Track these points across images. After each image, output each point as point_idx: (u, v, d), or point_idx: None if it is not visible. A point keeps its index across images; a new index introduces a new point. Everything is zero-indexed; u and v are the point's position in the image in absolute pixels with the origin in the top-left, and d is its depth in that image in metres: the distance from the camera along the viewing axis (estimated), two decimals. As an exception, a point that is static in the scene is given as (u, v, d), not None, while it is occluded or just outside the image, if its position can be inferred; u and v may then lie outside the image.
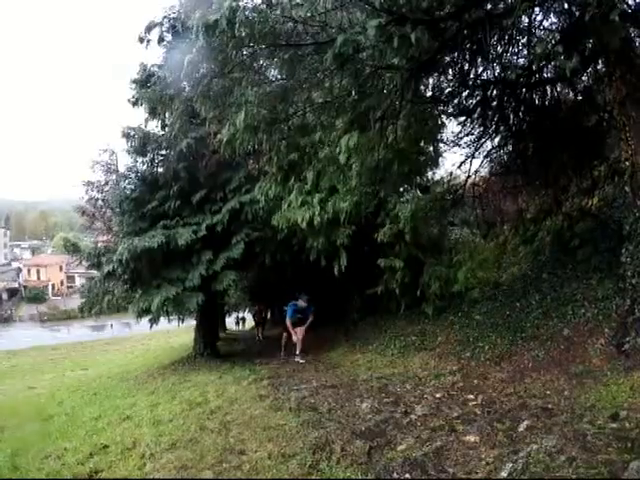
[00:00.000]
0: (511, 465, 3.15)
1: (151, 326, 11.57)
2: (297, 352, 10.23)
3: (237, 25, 4.17)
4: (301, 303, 10.35)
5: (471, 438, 3.79)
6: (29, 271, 67.53)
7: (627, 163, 5.02)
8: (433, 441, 3.91)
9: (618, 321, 5.15)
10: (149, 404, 7.18)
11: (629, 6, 5.02)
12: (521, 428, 3.83)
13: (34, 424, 7.83)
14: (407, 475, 3.38)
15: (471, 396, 5.10)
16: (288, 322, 10.41)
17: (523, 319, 6.63)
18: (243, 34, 4.30)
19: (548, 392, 4.72)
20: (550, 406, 4.28)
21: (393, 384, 6.21)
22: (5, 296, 60.35)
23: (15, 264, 70.20)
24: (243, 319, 33.40)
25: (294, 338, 10.28)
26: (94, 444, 5.45)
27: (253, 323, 33.77)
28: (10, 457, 5.67)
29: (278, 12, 4.54)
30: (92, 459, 4.90)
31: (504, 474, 3.10)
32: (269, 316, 34.01)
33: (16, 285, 64.72)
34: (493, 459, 3.35)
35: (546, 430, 3.66)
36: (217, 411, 5.84)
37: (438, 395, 5.37)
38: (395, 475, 3.41)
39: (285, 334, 10.99)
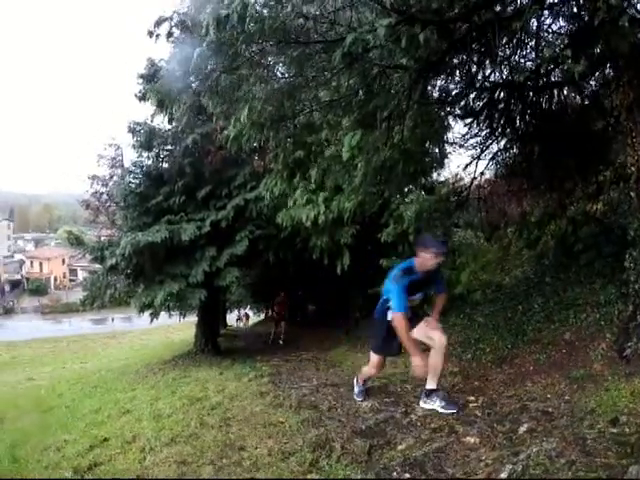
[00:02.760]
0: (511, 467, 3.15)
1: (151, 320, 11.59)
2: (429, 385, 4.79)
3: (247, 20, 4.19)
4: (427, 260, 4.53)
5: (471, 439, 3.79)
6: (32, 263, 67.76)
7: (633, 169, 5.00)
8: (433, 441, 3.91)
9: (620, 326, 5.14)
10: (149, 398, 7.19)
11: (638, 11, 5.01)
12: (521, 431, 3.83)
13: (34, 416, 7.86)
14: (406, 475, 3.39)
15: (472, 397, 5.09)
16: (400, 318, 4.48)
17: (525, 322, 6.63)
18: (253, 29, 4.32)
19: (549, 395, 4.71)
20: (550, 409, 4.27)
21: (394, 384, 6.20)
22: (7, 288, 60.65)
23: (18, 256, 70.36)
24: (246, 315, 33.33)
25: (416, 361, 4.40)
26: (94, 437, 5.47)
27: (256, 320, 33.88)
28: (9, 448, 5.69)
29: (289, 8, 4.55)
30: (92, 452, 4.91)
31: (504, 476, 3.10)
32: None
33: (19, 277, 64.92)
34: (493, 461, 3.36)
35: (546, 433, 3.66)
36: (217, 407, 5.84)
37: (439, 396, 5.38)
38: (395, 474, 3.41)
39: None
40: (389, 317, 4.76)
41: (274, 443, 4.23)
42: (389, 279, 4.78)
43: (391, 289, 4.67)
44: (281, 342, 15.36)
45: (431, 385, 4.78)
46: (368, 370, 5.40)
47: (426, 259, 4.54)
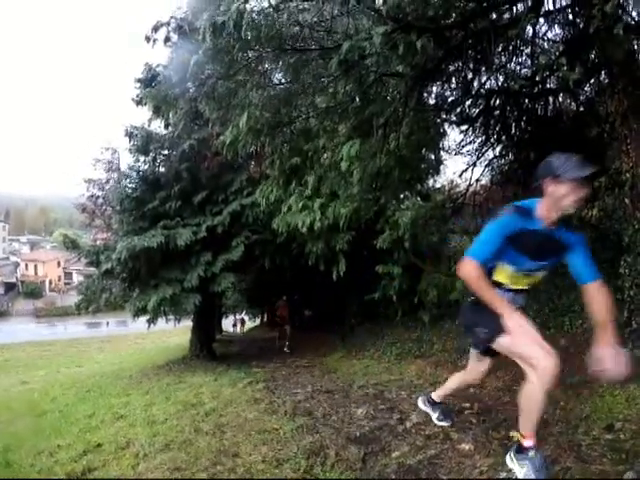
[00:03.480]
0: (505, 474, 3.15)
1: (149, 326, 11.57)
2: (436, 397, 4.31)
3: (244, 28, 4.21)
4: (561, 198, 2.79)
5: (466, 446, 3.78)
6: (27, 266, 67.49)
7: (627, 175, 5.03)
8: (428, 449, 3.90)
9: (615, 333, 5.15)
10: (143, 404, 7.15)
11: (633, 19, 5.05)
12: (516, 437, 3.83)
13: (27, 420, 7.80)
14: (401, 482, 3.38)
15: (467, 404, 5.08)
16: (470, 265, 2.84)
17: (520, 329, 6.62)
18: (249, 37, 4.34)
19: (544, 402, 4.71)
20: (545, 416, 4.26)
21: (389, 391, 6.20)
22: (2, 290, 60.27)
23: (13, 258, 70.13)
24: (242, 321, 33.18)
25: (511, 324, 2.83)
26: (87, 442, 5.43)
27: (251, 325, 33.77)
28: (2, 452, 5.64)
29: (285, 16, 4.57)
30: (85, 457, 4.87)
31: (498, 483, 3.10)
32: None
33: (13, 280, 64.59)
34: (487, 468, 3.35)
35: (541, 440, 3.66)
36: (212, 413, 5.82)
37: (434, 402, 5.37)
38: (389, 481, 3.41)
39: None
40: None
41: (268, 450, 4.21)
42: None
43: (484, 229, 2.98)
44: (287, 350, 13.97)
45: (438, 397, 4.19)
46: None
47: (558, 197, 2.80)
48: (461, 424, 4.44)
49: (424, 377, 6.76)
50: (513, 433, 3.51)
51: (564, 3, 5.46)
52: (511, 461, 3.12)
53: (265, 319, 30.91)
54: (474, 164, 7.82)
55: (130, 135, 11.63)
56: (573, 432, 3.72)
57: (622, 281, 5.11)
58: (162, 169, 12.14)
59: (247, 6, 4.33)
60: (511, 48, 6.07)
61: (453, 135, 7.86)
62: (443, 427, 4.37)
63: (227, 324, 32.17)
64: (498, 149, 7.85)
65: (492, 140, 7.52)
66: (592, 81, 6.30)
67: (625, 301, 5.06)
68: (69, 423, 6.90)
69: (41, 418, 7.84)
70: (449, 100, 6.82)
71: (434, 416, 4.25)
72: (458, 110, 6.91)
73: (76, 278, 56.80)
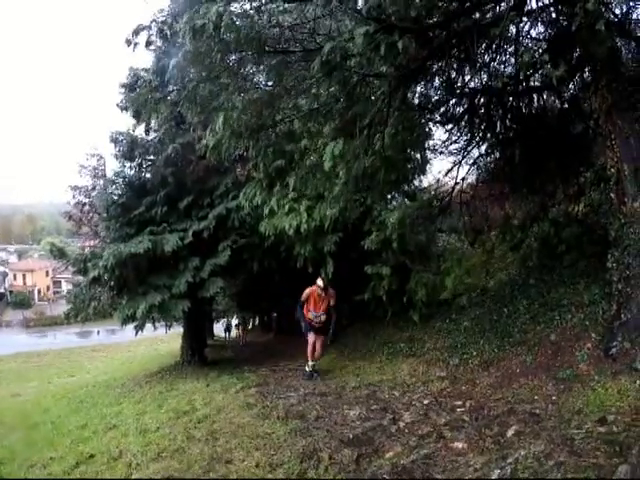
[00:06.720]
0: (499, 471, 3.15)
1: (136, 333, 11.43)
2: None
3: (223, 30, 4.18)
4: None
5: (459, 444, 3.79)
6: (15, 276, 66.70)
7: (612, 170, 5.08)
8: (421, 448, 3.90)
9: (605, 326, 5.19)
10: (136, 413, 7.09)
11: (615, 16, 5.10)
12: (509, 434, 3.84)
13: (19, 432, 7.72)
14: (395, 483, 3.37)
15: (459, 402, 5.10)
16: None
17: (511, 325, 6.66)
18: (229, 39, 4.31)
19: (536, 397, 4.73)
20: (538, 411, 4.29)
21: (381, 391, 6.19)
22: (-10, 301, 59.62)
23: (1, 268, 69.31)
24: (244, 323, 32.00)
25: None
26: (80, 453, 5.38)
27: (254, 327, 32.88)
28: (-5, 466, 5.60)
29: (265, 17, 4.55)
30: (78, 469, 4.84)
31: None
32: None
33: (2, 290, 63.86)
34: (481, 465, 3.35)
35: (534, 435, 3.66)
36: (204, 420, 5.78)
37: (426, 401, 5.36)
38: (383, 483, 3.39)
39: None
40: None
41: (261, 455, 4.18)
42: None
43: None
44: (315, 372, 8.21)
45: None
46: None
47: None
48: (454, 422, 4.45)
49: (416, 376, 6.76)
50: None
51: (547, 1, 5.50)
52: None
53: (258, 323, 30.10)
54: (460, 163, 7.85)
55: (115, 141, 11.51)
56: (566, 426, 3.73)
57: (610, 275, 5.16)
58: (148, 175, 12.00)
59: (228, 8, 4.31)
60: (494, 47, 6.10)
61: (438, 134, 7.93)
62: (436, 426, 4.38)
63: (220, 329, 31.76)
64: (483, 147, 7.90)
65: (477, 138, 7.55)
66: (576, 78, 6.34)
67: (613, 295, 5.11)
68: (61, 435, 6.84)
69: (33, 430, 7.76)
70: (433, 100, 6.84)
71: None
72: (443, 109, 6.94)
73: (65, 287, 56.31)
